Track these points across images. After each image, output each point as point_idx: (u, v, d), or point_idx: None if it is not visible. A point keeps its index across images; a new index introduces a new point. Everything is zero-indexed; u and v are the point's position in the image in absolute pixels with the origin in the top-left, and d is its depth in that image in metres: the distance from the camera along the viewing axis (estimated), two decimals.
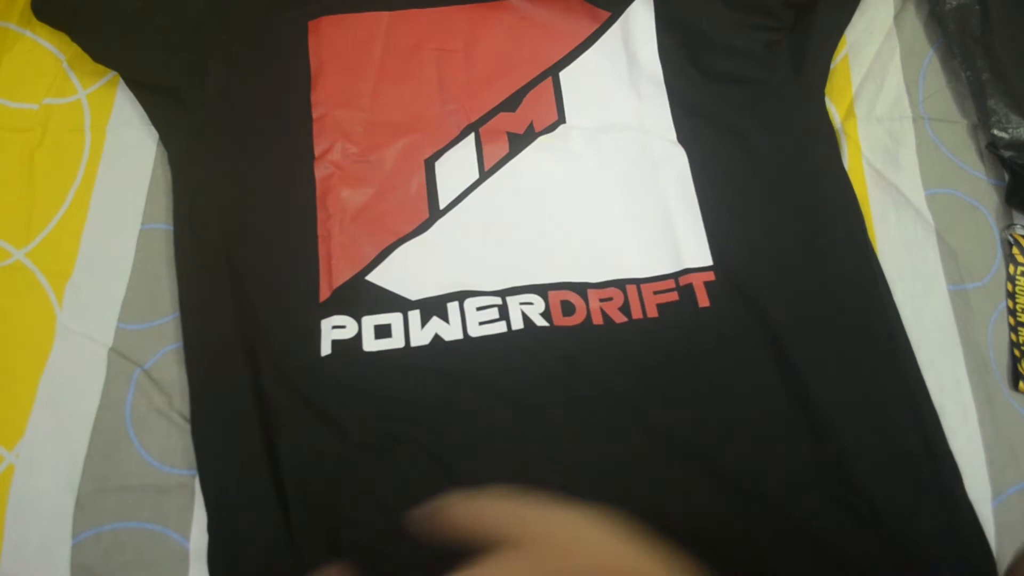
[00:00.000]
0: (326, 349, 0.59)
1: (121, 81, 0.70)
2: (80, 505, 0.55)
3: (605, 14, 0.71)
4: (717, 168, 0.66)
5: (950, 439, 0.59)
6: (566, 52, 0.70)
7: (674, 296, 0.61)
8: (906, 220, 0.68)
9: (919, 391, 0.59)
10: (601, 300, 0.61)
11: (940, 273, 0.66)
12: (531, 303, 0.61)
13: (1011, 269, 0.66)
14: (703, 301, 0.61)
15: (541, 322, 0.60)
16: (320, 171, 0.65)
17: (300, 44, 0.69)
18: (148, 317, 0.62)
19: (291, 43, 0.69)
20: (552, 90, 0.69)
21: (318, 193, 0.64)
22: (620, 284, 0.62)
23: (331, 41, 0.69)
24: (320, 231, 0.63)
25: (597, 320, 0.61)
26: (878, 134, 0.71)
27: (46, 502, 0.55)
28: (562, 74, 0.70)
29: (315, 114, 0.67)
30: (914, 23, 0.76)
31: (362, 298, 0.61)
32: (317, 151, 0.65)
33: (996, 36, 0.71)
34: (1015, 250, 0.67)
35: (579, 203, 0.65)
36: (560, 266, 0.63)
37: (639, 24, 0.70)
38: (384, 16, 0.70)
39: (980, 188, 0.70)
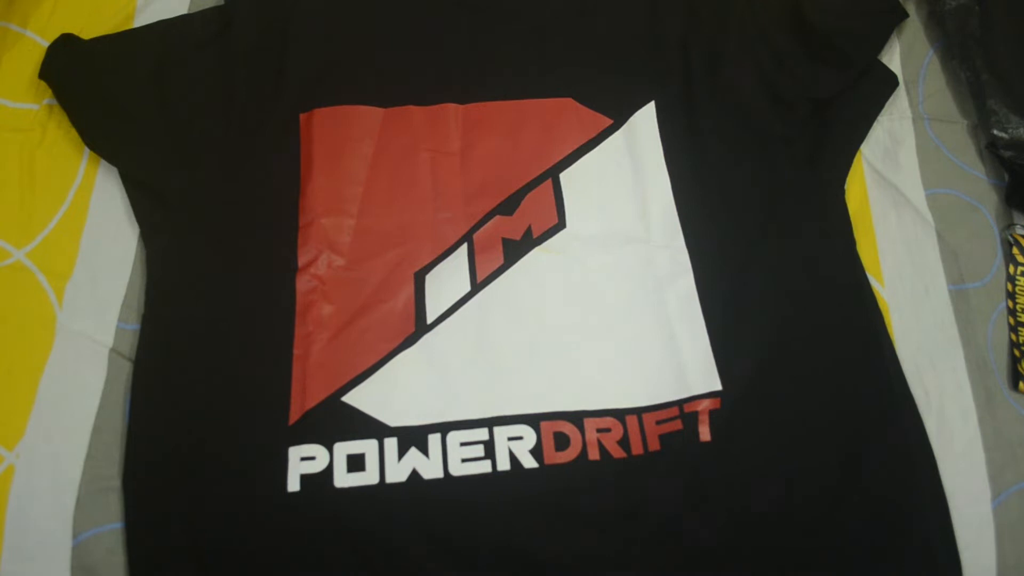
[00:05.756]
0: (294, 485, 0.54)
1: None
2: (80, 505, 0.55)
3: (607, 120, 0.68)
4: (727, 279, 0.62)
5: (950, 440, 0.59)
6: (566, 154, 0.67)
7: (678, 425, 0.58)
8: (906, 220, 0.68)
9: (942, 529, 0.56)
10: (599, 431, 0.57)
11: (940, 273, 0.66)
12: (520, 437, 0.57)
13: (1011, 269, 0.66)
14: (705, 435, 0.57)
15: (530, 462, 0.56)
16: (302, 284, 0.61)
17: (291, 140, 0.66)
18: None
19: (282, 139, 0.66)
20: (552, 192, 0.65)
21: (298, 308, 0.60)
22: (619, 414, 0.58)
23: (322, 137, 0.66)
24: (296, 349, 0.59)
25: (593, 455, 0.57)
26: (878, 134, 0.71)
27: (46, 502, 0.55)
28: (563, 175, 0.66)
29: (302, 221, 0.63)
30: (914, 23, 0.76)
31: (335, 422, 0.56)
32: (301, 262, 0.62)
33: (995, 36, 0.71)
34: (1015, 250, 0.67)
35: (577, 322, 0.61)
36: (555, 392, 0.58)
37: (644, 130, 0.68)
38: (378, 112, 0.67)
39: (980, 188, 0.70)
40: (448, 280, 0.62)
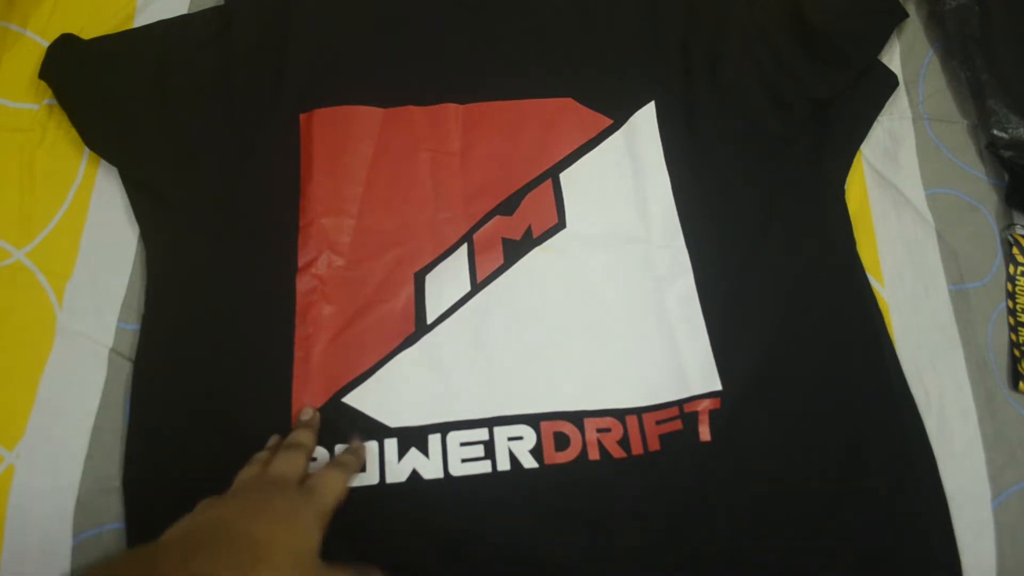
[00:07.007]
0: None
1: None
2: (80, 505, 0.55)
3: (607, 120, 0.68)
4: (727, 280, 0.62)
5: (950, 440, 0.59)
6: (566, 154, 0.67)
7: (678, 425, 0.58)
8: (906, 220, 0.68)
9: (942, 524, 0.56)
10: (599, 431, 0.57)
11: (940, 273, 0.66)
12: (520, 437, 0.57)
13: (1011, 269, 0.66)
14: (705, 435, 0.57)
15: (530, 462, 0.56)
16: (302, 284, 0.61)
17: (291, 140, 0.66)
18: None
19: (282, 139, 0.66)
20: (552, 192, 0.65)
21: (298, 308, 0.60)
22: (619, 414, 0.58)
23: (322, 137, 0.66)
24: (297, 351, 0.59)
25: (593, 455, 0.57)
26: (878, 134, 0.71)
27: (46, 502, 0.55)
28: (563, 175, 0.66)
29: (302, 221, 0.62)
30: (914, 23, 0.76)
31: (336, 423, 0.57)
32: (301, 262, 0.61)
33: (995, 36, 0.71)
34: (1015, 250, 0.67)
35: (576, 321, 0.61)
36: (554, 392, 0.58)
37: (644, 130, 0.67)
38: (378, 112, 0.67)
39: (980, 188, 0.70)
40: (448, 280, 0.62)
